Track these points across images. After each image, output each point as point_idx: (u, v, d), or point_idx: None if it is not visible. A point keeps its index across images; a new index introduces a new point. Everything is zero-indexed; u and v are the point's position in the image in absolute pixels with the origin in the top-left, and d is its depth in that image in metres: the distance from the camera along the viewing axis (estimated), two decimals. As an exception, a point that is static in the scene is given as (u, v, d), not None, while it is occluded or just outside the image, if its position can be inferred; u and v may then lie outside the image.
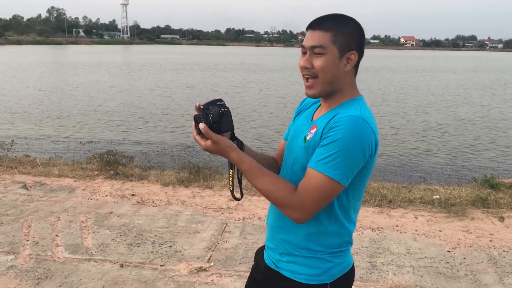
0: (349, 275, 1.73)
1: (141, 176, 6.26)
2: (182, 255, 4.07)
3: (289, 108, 18.53)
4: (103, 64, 45.69)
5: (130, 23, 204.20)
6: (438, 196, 5.54)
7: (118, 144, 12.26)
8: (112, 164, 6.36)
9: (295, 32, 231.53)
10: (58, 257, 3.93)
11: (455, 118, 16.77)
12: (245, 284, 2.00)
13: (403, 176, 9.12)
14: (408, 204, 5.39)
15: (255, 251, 1.99)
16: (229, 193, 5.81)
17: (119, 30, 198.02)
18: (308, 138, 1.60)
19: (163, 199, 5.47)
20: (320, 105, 1.70)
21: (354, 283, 3.71)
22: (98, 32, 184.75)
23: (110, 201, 5.35)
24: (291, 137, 1.75)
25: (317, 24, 1.57)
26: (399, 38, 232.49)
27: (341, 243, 1.67)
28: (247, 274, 3.78)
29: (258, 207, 5.25)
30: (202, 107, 1.58)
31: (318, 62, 1.54)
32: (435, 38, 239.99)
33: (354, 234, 4.52)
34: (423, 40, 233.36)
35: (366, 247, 4.29)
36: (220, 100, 1.59)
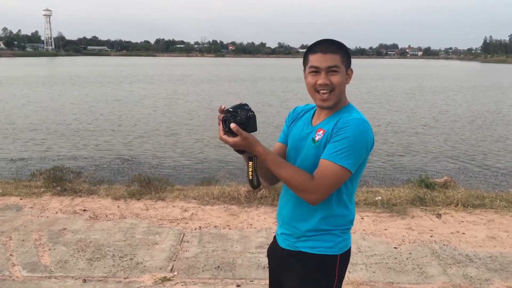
0: (349, 252, 2.06)
1: (90, 191, 6.18)
2: (144, 266, 4.11)
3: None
4: (22, 78, 43.56)
5: (55, 35, 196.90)
6: (380, 197, 5.92)
7: (53, 160, 11.91)
8: (59, 180, 6.23)
9: (225, 42, 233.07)
10: (17, 276, 3.85)
11: (379, 126, 17.57)
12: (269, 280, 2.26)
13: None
14: (353, 206, 5.70)
15: (267, 250, 2.30)
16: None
17: (42, 42, 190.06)
18: (317, 139, 1.94)
19: (116, 213, 5.45)
20: (314, 112, 2.06)
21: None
22: (20, 44, 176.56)
23: (62, 217, 5.26)
24: (294, 141, 2.07)
25: (326, 48, 1.91)
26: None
27: (347, 222, 2.01)
28: (211, 281, 3.93)
29: (212, 216, 5.37)
30: (231, 109, 1.83)
31: (335, 79, 1.90)
32: (360, 47, 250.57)
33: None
34: (349, 49, 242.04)
35: (320, 248, 4.52)
36: (247, 104, 1.85)
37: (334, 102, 1.93)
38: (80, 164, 11.01)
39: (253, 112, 1.85)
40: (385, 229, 5.03)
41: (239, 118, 1.81)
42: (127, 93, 30.45)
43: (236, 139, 1.79)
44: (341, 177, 1.84)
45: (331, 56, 1.89)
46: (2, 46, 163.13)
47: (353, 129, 1.82)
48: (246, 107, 1.84)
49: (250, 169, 1.91)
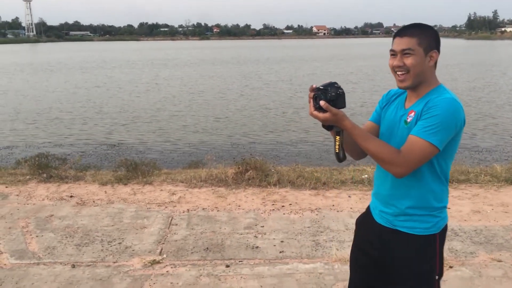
0: (446, 227, 2.16)
1: (76, 177, 6.14)
2: (133, 250, 4.12)
3: (206, 105, 18.60)
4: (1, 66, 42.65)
5: (36, 20, 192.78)
6: (366, 176, 5.96)
7: (38, 147, 11.76)
8: (44, 167, 6.18)
9: (210, 25, 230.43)
10: (5, 264, 3.84)
11: (363, 107, 17.43)
12: (351, 249, 2.40)
13: (329, 160, 9.56)
14: (341, 185, 5.75)
15: (355, 220, 2.41)
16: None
17: (23, 28, 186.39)
18: (408, 120, 2.04)
19: (104, 198, 5.43)
20: (407, 95, 2.14)
21: (302, 260, 3.98)
22: (1, 31, 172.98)
23: (48, 204, 5.23)
24: (388, 124, 2.17)
25: (404, 32, 2.02)
26: (312, 27, 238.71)
27: (443, 199, 2.10)
28: (201, 263, 3.94)
29: (200, 199, 5.38)
30: (321, 87, 1.93)
31: (408, 61, 1.98)
32: (345, 26, 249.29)
33: (295, 217, 4.80)
34: (334, 29, 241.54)
35: (308, 227, 4.56)
36: (336, 83, 1.96)
37: (411, 83, 2.01)
38: (65, 151, 10.92)
39: (343, 89, 1.95)
40: (372, 207, 5.07)
41: (329, 95, 1.91)
42: (108, 78, 30.02)
43: (326, 114, 1.89)
44: (428, 153, 1.91)
45: (407, 39, 1.98)
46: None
47: (443, 108, 1.90)
48: (335, 85, 1.94)
49: (338, 143, 2.01)
